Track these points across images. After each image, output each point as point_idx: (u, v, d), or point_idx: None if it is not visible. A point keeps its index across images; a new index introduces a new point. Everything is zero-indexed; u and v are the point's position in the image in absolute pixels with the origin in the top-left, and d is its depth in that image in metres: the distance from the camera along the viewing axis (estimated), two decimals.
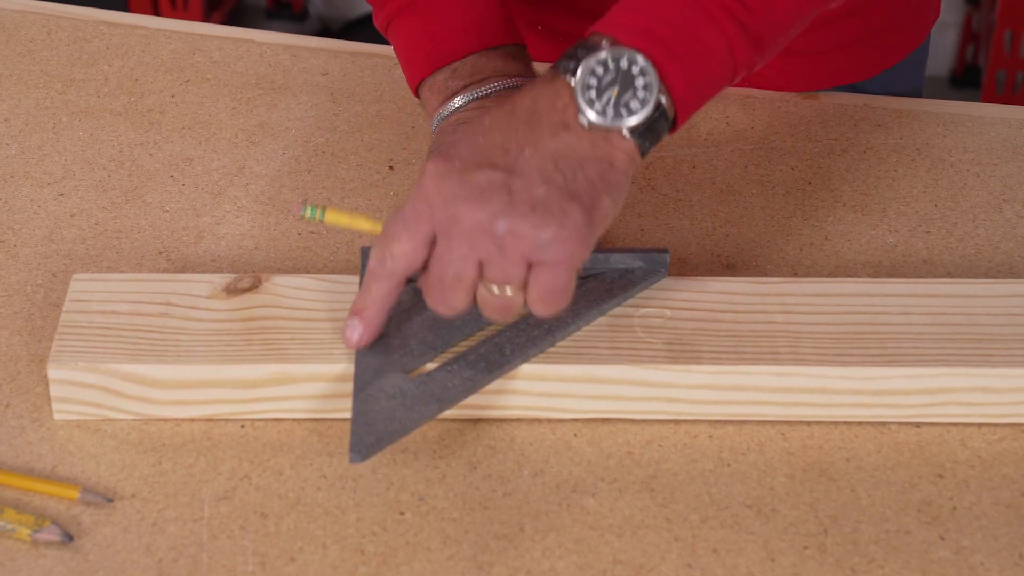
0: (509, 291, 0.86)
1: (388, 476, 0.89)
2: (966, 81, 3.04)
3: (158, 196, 1.11)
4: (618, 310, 0.94)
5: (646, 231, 1.08)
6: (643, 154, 0.89)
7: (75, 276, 0.96)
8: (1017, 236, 1.09)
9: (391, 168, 1.14)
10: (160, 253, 1.05)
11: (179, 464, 0.89)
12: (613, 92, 0.87)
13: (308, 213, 0.91)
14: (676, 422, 0.92)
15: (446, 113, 1.02)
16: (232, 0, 3.11)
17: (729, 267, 1.05)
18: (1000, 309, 0.95)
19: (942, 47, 3.02)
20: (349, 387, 0.90)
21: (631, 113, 0.87)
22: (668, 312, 0.95)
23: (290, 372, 0.90)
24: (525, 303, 0.87)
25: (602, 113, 0.87)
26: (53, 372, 0.90)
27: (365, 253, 0.96)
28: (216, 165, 1.14)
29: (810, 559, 0.84)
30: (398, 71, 1.25)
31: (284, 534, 0.85)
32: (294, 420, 0.92)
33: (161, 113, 1.20)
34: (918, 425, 0.93)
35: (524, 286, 0.86)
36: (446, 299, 0.87)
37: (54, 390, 0.90)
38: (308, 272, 1.03)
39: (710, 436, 0.92)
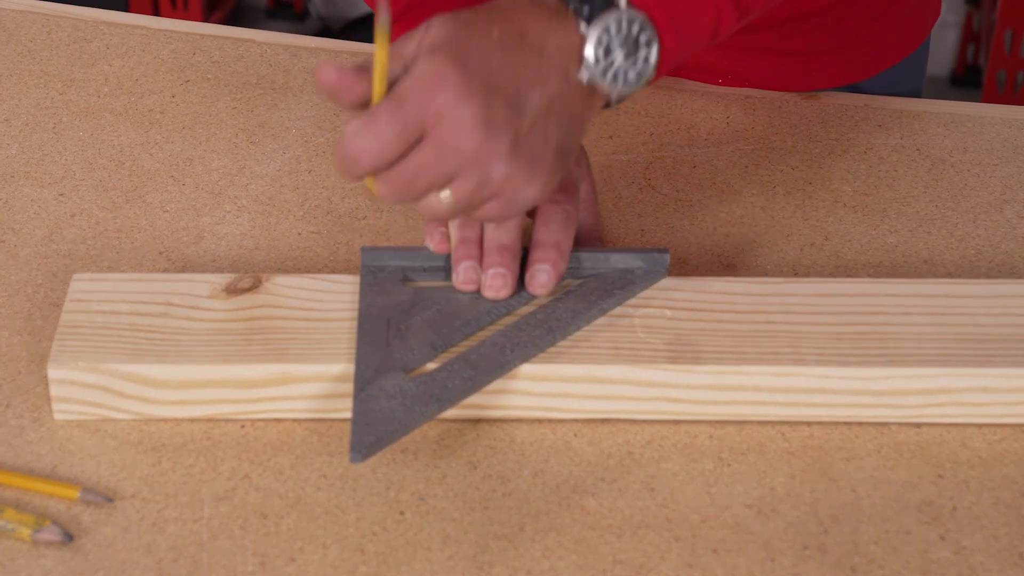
0: (457, 208, 0.86)
1: (388, 476, 0.89)
2: (966, 81, 3.04)
3: (158, 196, 1.11)
4: (618, 310, 0.94)
5: (646, 231, 1.08)
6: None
7: (75, 276, 0.96)
8: (1017, 236, 1.09)
9: None
10: (160, 253, 1.05)
11: (179, 464, 0.89)
12: (619, 56, 0.87)
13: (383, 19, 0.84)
14: (676, 422, 0.92)
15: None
16: (232, 0, 3.11)
17: (729, 267, 1.05)
18: (1001, 309, 0.95)
19: (942, 47, 3.02)
20: (349, 387, 0.90)
21: (626, 82, 0.88)
22: (668, 312, 0.95)
23: (290, 372, 0.90)
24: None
25: (602, 75, 0.87)
26: (53, 372, 0.90)
27: (365, 252, 0.96)
28: (216, 165, 1.14)
29: (810, 559, 0.84)
30: None
31: (284, 534, 0.85)
32: (294, 420, 0.92)
33: (161, 113, 1.20)
34: (918, 425, 0.93)
35: None
36: (402, 195, 0.85)
37: (54, 390, 0.90)
38: (308, 272, 1.03)
39: (710, 436, 0.92)
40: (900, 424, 0.93)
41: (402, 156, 0.84)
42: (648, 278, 0.96)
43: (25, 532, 0.84)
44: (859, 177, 1.14)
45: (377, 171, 0.84)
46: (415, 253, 0.96)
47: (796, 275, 1.04)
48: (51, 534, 0.84)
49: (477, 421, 0.92)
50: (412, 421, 0.86)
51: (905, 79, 1.27)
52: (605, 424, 0.92)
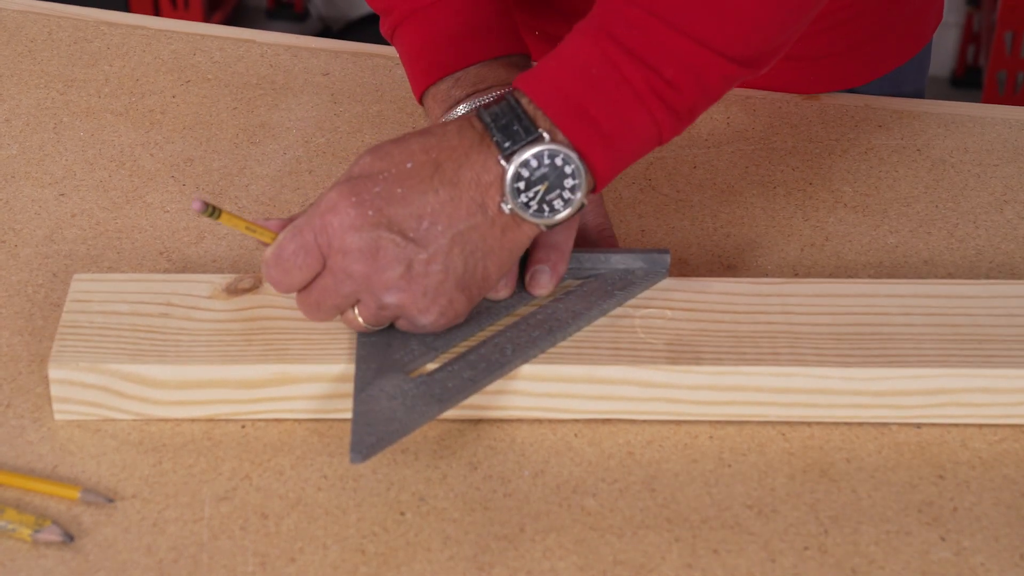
0: (365, 322, 0.90)
1: (389, 476, 0.89)
2: (967, 82, 3.04)
3: (159, 196, 1.11)
4: (619, 310, 0.95)
5: (647, 231, 1.08)
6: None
7: (76, 276, 0.96)
8: (1018, 237, 1.09)
9: None
10: (161, 253, 1.05)
11: (180, 464, 0.89)
12: (541, 187, 0.87)
13: (207, 213, 0.87)
14: (677, 423, 0.92)
15: (447, 120, 1.02)
16: (233, 0, 3.11)
17: (730, 267, 1.05)
18: (1001, 310, 0.95)
19: (943, 48, 3.02)
20: (349, 387, 0.90)
21: (553, 212, 0.88)
22: (669, 312, 0.95)
23: (290, 372, 0.90)
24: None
25: (525, 207, 0.87)
26: (54, 372, 0.90)
27: None
28: (217, 165, 1.14)
29: (810, 560, 0.84)
30: (399, 71, 1.25)
31: (285, 534, 0.85)
32: (295, 420, 0.92)
33: (162, 113, 1.20)
34: (919, 426, 0.93)
35: None
36: (317, 316, 0.90)
37: (55, 390, 0.90)
38: None
39: (711, 437, 0.92)
40: (900, 424, 0.93)
41: (311, 280, 0.89)
42: (649, 278, 0.96)
43: (26, 532, 0.84)
44: (859, 177, 1.14)
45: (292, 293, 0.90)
46: None
47: (796, 276, 1.04)
48: (52, 534, 0.84)
49: (477, 421, 0.92)
50: (412, 421, 0.86)
51: (907, 82, 1.27)
52: (605, 424, 0.92)
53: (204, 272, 1.03)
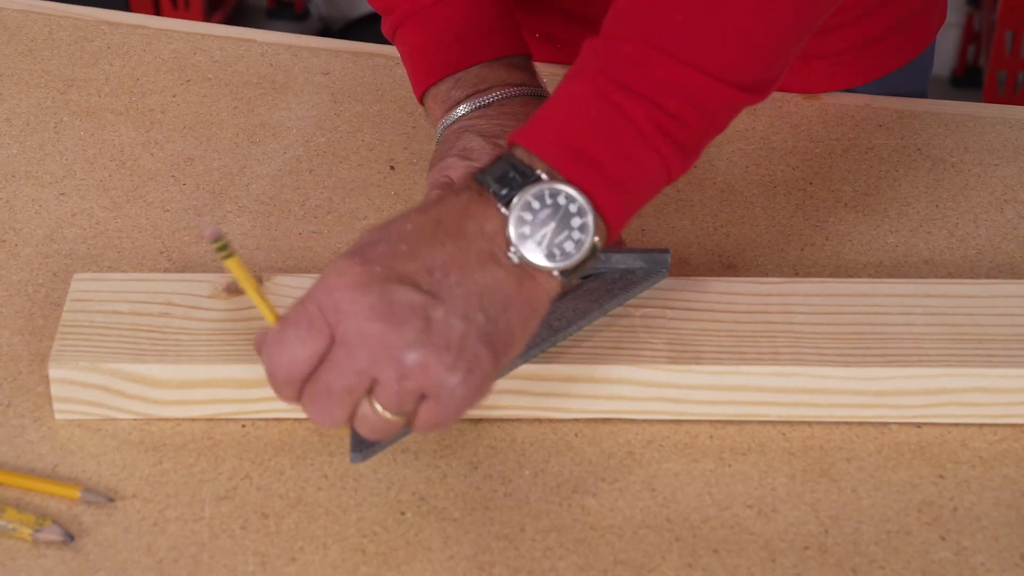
0: (391, 416, 0.81)
1: (389, 476, 0.89)
2: (967, 81, 3.04)
3: (159, 196, 1.11)
4: (619, 310, 0.94)
5: (647, 231, 1.08)
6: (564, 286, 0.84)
7: (76, 276, 0.96)
8: (1018, 236, 1.09)
9: (392, 168, 1.14)
10: (161, 253, 1.05)
11: (180, 464, 0.89)
12: (548, 230, 0.82)
13: (218, 245, 0.83)
14: (677, 422, 0.92)
15: (449, 122, 1.02)
16: (233, 0, 3.11)
17: (730, 267, 1.05)
18: (1001, 309, 0.95)
19: (943, 48, 3.02)
20: None
21: (565, 256, 0.82)
22: (669, 312, 0.95)
23: None
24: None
25: (534, 252, 0.82)
26: (54, 372, 0.90)
27: None
28: (217, 165, 1.14)
29: (811, 559, 0.84)
30: (399, 71, 1.25)
31: (285, 534, 0.85)
32: (295, 420, 0.92)
33: (162, 113, 1.20)
34: (919, 425, 0.93)
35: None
36: (329, 411, 0.81)
37: (55, 390, 0.90)
38: (309, 272, 1.03)
39: (711, 436, 0.92)
40: (901, 424, 0.93)
41: (316, 362, 0.80)
42: (649, 278, 0.96)
43: (26, 532, 0.84)
44: (860, 177, 1.14)
45: (298, 384, 0.81)
46: None
47: (797, 275, 1.04)
48: (52, 534, 0.84)
49: (478, 421, 0.92)
50: None
51: (909, 83, 1.27)
52: (606, 424, 0.92)
53: (204, 272, 1.03)
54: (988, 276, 1.05)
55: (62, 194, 1.11)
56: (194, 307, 0.94)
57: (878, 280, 0.98)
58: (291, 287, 0.96)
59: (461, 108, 1.01)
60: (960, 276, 1.04)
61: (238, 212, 1.09)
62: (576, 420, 0.92)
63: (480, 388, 0.81)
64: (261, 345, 0.82)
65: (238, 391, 0.90)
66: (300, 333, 0.79)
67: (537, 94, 1.04)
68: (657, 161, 0.84)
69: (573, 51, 0.89)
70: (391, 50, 1.27)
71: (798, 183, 1.13)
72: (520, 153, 0.83)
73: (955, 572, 0.84)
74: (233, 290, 0.95)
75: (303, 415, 0.91)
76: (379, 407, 0.80)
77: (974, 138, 1.19)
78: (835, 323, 0.94)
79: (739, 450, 0.91)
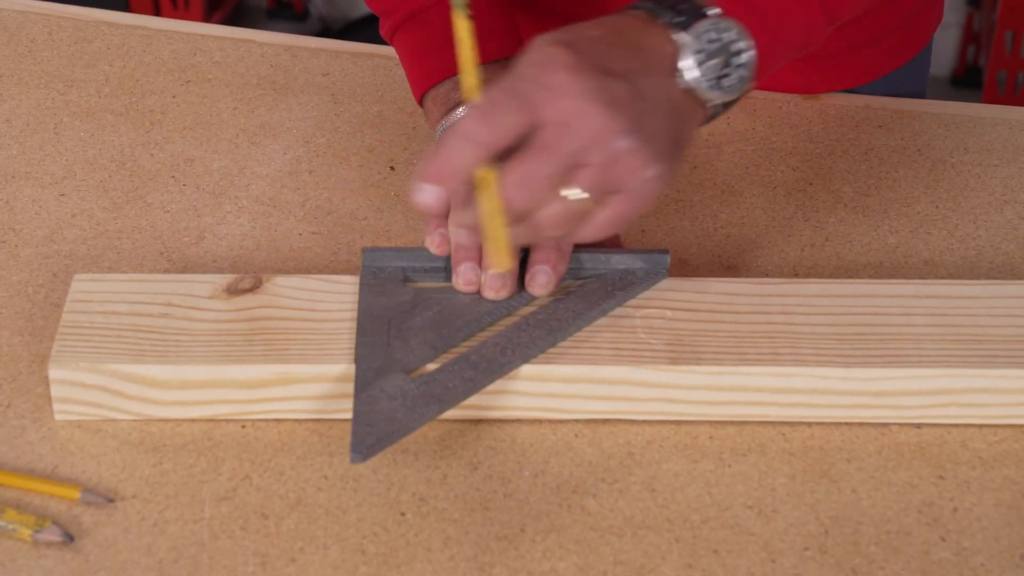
0: (579, 199, 0.82)
1: (389, 477, 0.89)
2: (967, 82, 3.04)
3: (159, 196, 1.11)
4: (620, 311, 0.95)
5: (647, 232, 1.08)
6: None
7: (76, 276, 0.96)
8: (1018, 237, 1.09)
9: (392, 168, 1.14)
10: (161, 253, 1.05)
11: (180, 464, 0.89)
12: (717, 63, 0.86)
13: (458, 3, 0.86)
14: (677, 423, 0.92)
15: (448, 124, 1.02)
16: (233, 0, 3.11)
17: (730, 268, 1.05)
18: (1001, 310, 0.95)
19: (943, 48, 3.02)
20: (350, 387, 0.90)
21: (723, 89, 0.86)
22: (669, 312, 0.95)
23: (291, 372, 0.90)
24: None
25: (701, 80, 0.86)
26: (54, 372, 0.90)
27: (366, 253, 0.96)
28: (217, 165, 1.14)
29: (811, 560, 0.84)
30: (399, 71, 1.25)
31: (285, 535, 0.85)
32: (295, 420, 0.92)
33: (162, 113, 1.20)
34: (919, 426, 0.93)
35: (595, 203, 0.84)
36: (528, 183, 0.81)
37: (55, 390, 0.90)
38: (309, 272, 1.03)
39: (711, 437, 0.92)
40: (901, 425, 0.93)
41: (514, 139, 0.81)
42: (649, 279, 0.96)
43: (26, 532, 0.84)
44: (860, 178, 1.14)
45: (487, 150, 0.81)
46: (416, 254, 0.97)
47: (797, 276, 1.04)
48: (52, 535, 0.84)
49: (478, 422, 0.92)
50: (413, 422, 0.86)
51: (907, 83, 1.27)
52: (606, 425, 0.92)
53: (204, 272, 1.03)
54: (988, 277, 1.05)
55: (62, 195, 1.11)
56: (194, 308, 0.94)
57: (878, 281, 0.98)
58: (291, 287, 0.96)
59: (460, 110, 1.01)
60: (960, 277, 1.04)
61: (238, 213, 1.09)
62: (576, 421, 0.92)
63: (664, 187, 0.84)
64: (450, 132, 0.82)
65: (238, 392, 0.90)
66: (509, 105, 0.80)
67: None
68: (804, 17, 0.89)
69: None
70: (391, 51, 1.27)
71: (798, 184, 1.13)
72: None
73: (955, 573, 0.84)
74: (233, 290, 0.95)
75: (304, 416, 0.91)
76: (576, 193, 0.81)
77: (974, 138, 1.19)
78: (835, 324, 0.94)
79: (739, 451, 0.91)
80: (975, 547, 0.85)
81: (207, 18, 2.98)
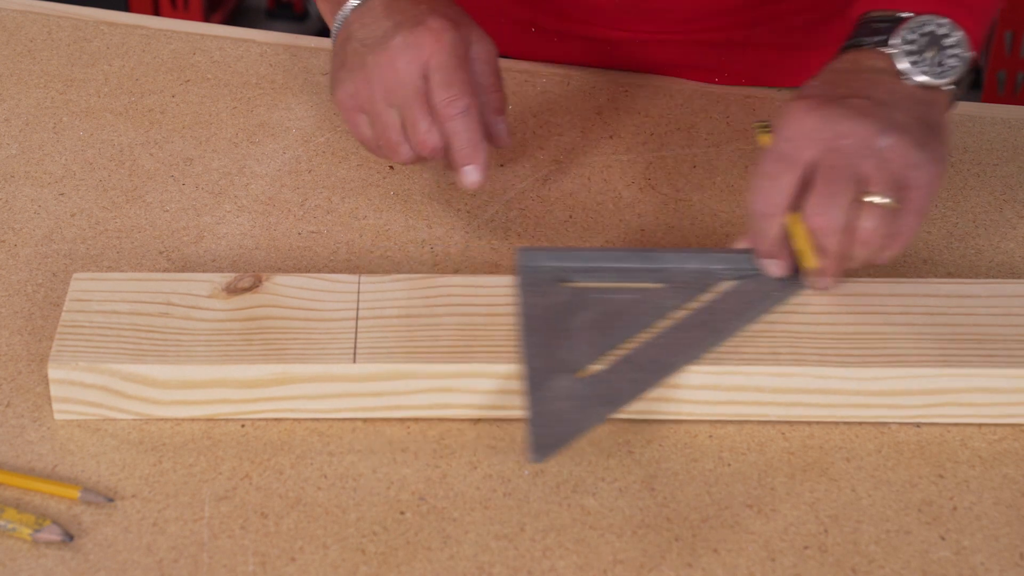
0: (883, 201, 0.90)
1: (388, 476, 0.89)
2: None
3: (158, 196, 1.11)
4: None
5: (646, 231, 1.08)
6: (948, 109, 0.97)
7: (75, 276, 0.96)
8: (1018, 236, 1.09)
9: (391, 168, 1.14)
10: (160, 253, 1.05)
11: (179, 464, 0.89)
12: (930, 55, 0.95)
13: (756, 127, 0.99)
14: (676, 422, 0.92)
15: (341, 16, 1.04)
16: (232, 0, 3.11)
17: None
18: (1001, 309, 0.95)
19: None
20: (348, 387, 0.90)
21: (949, 73, 0.96)
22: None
23: (290, 372, 0.90)
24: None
25: (927, 73, 0.95)
26: (53, 372, 0.90)
27: (522, 253, 0.96)
28: (216, 165, 1.14)
29: (810, 559, 0.84)
30: None
31: (285, 534, 0.85)
32: (294, 420, 0.92)
33: (161, 113, 1.20)
34: (918, 425, 0.93)
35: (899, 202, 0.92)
36: (832, 209, 0.90)
37: (54, 390, 0.90)
38: (308, 272, 1.03)
39: (710, 436, 0.92)
40: (900, 424, 0.93)
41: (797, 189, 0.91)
42: (791, 286, 0.96)
43: (25, 532, 0.84)
44: None
45: (781, 212, 0.92)
46: (572, 254, 0.96)
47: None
48: (51, 534, 0.84)
49: (477, 421, 0.92)
50: (586, 423, 0.86)
51: None
52: (605, 424, 0.92)
53: (204, 271, 1.03)
54: (987, 276, 1.05)
55: (61, 194, 1.11)
56: (193, 307, 0.94)
57: (877, 280, 0.98)
58: (291, 287, 0.96)
59: (348, 6, 1.04)
60: (959, 276, 1.04)
61: (237, 212, 1.09)
62: None
63: (941, 167, 0.93)
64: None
65: (237, 391, 0.90)
66: (776, 167, 0.92)
67: None
68: None
69: (561, 42, 0.90)
70: None
71: None
72: (874, 13, 0.98)
73: (954, 571, 0.84)
74: (232, 290, 0.95)
75: (303, 415, 0.91)
76: (876, 198, 0.90)
77: (973, 138, 1.19)
78: (834, 323, 0.94)
79: (739, 450, 0.91)
80: (974, 546, 0.85)
81: (206, 18, 2.98)
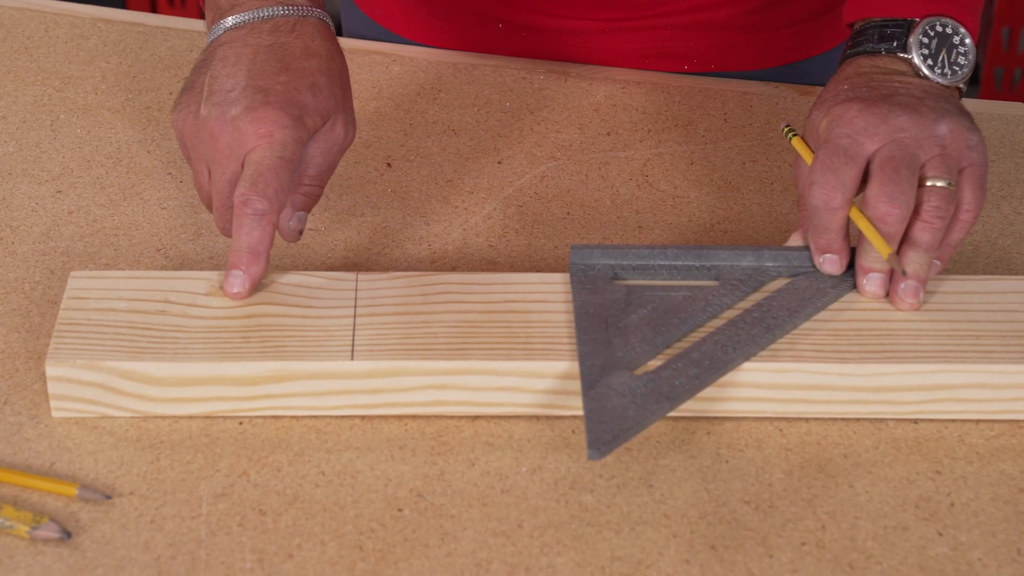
0: (944, 183, 0.93)
1: (386, 473, 0.89)
2: None
3: (156, 193, 1.11)
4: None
5: (644, 228, 1.08)
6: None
7: (73, 273, 0.96)
8: (1015, 232, 1.09)
9: (389, 165, 1.14)
10: (158, 250, 1.05)
11: (177, 461, 0.89)
12: (944, 56, 0.99)
13: (785, 131, 1.01)
14: (674, 419, 0.92)
15: (217, 32, 1.00)
16: None
17: None
18: (998, 305, 0.95)
19: None
20: (346, 384, 0.90)
21: (962, 69, 1.00)
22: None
23: (288, 369, 0.90)
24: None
25: (943, 76, 0.99)
26: (51, 369, 0.90)
27: (575, 251, 0.96)
28: None
29: (808, 555, 0.84)
30: (397, 69, 1.25)
31: (282, 531, 0.85)
32: (292, 417, 0.92)
33: (159, 110, 1.20)
34: (916, 421, 0.93)
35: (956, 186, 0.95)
36: (897, 196, 0.92)
37: (52, 387, 0.90)
38: (306, 269, 1.03)
39: (708, 432, 0.92)
40: (898, 420, 0.93)
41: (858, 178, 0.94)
42: (842, 285, 0.96)
43: (23, 529, 0.84)
44: None
45: (849, 201, 0.94)
46: (624, 251, 0.96)
47: None
48: (49, 531, 0.84)
49: (475, 418, 0.92)
50: (644, 419, 0.86)
51: None
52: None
53: (201, 269, 1.03)
54: (985, 272, 1.05)
55: (59, 192, 1.11)
56: (191, 304, 0.94)
57: None
58: (289, 284, 0.96)
59: (230, 19, 0.99)
60: (956, 272, 1.04)
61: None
62: (573, 417, 0.92)
63: (986, 147, 0.97)
64: (806, 184, 0.96)
65: (235, 388, 0.90)
66: (838, 160, 0.93)
67: None
68: None
69: (529, 36, 0.90)
70: (389, 48, 1.27)
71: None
72: (876, 21, 1.01)
73: (952, 567, 0.84)
74: None
75: (301, 412, 0.91)
76: (939, 182, 0.94)
77: None
78: (832, 319, 0.94)
79: (736, 446, 0.91)
80: (972, 542, 0.85)
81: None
